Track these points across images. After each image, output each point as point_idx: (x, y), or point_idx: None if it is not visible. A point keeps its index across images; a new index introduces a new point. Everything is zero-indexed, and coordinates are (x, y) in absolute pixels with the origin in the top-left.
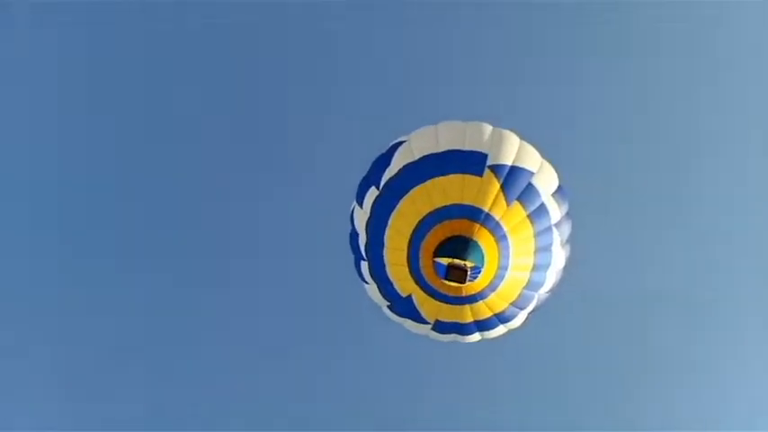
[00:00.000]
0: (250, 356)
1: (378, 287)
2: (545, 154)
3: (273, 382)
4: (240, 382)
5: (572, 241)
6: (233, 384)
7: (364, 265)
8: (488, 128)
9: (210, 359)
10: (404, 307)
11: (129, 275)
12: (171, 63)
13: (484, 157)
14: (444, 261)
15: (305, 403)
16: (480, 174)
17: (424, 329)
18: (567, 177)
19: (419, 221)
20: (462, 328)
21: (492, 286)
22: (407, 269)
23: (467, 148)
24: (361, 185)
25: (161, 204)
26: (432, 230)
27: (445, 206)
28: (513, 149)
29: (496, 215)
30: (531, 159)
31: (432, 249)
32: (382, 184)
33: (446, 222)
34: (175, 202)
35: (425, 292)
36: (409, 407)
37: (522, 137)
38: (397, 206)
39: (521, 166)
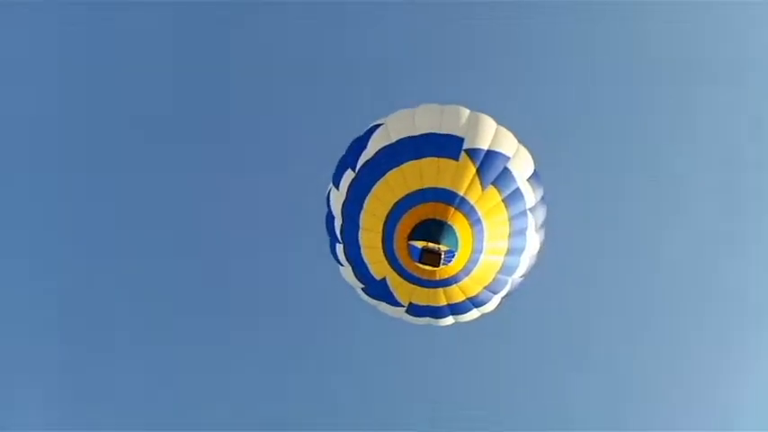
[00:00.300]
0: (231, 350)
1: (353, 269)
2: (528, 144)
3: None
4: (226, 377)
5: (546, 226)
6: (221, 381)
7: (339, 248)
8: (465, 111)
9: (200, 355)
10: (378, 290)
11: (126, 275)
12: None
13: (460, 140)
14: (419, 244)
15: (284, 398)
16: (456, 157)
17: (399, 312)
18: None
19: (394, 204)
20: (436, 312)
21: (466, 270)
22: (382, 252)
23: (443, 131)
24: (337, 167)
25: (155, 203)
26: (407, 213)
27: (421, 189)
28: (490, 133)
29: (471, 199)
30: (508, 144)
31: (406, 232)
32: (359, 166)
33: (421, 205)
34: (167, 200)
35: (400, 275)
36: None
37: (499, 121)
38: (373, 189)
39: (497, 150)
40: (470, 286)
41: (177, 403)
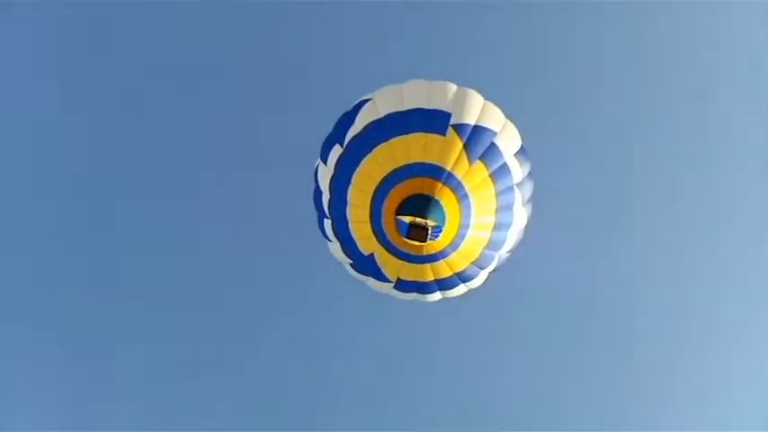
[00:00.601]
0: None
1: (341, 245)
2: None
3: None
4: (225, 375)
5: (534, 201)
6: (220, 380)
7: (327, 223)
8: (452, 87)
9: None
10: (366, 265)
11: (125, 274)
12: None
13: (447, 116)
14: (406, 219)
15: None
16: (443, 132)
17: (387, 288)
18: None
19: (382, 179)
20: (423, 287)
21: (453, 245)
22: (370, 227)
23: (431, 106)
24: (325, 143)
25: (151, 202)
26: (394, 188)
27: (408, 164)
28: (477, 109)
29: (458, 174)
30: (495, 119)
31: (394, 207)
32: (346, 141)
33: (409, 181)
34: (163, 198)
35: (387, 250)
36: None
37: (486, 96)
38: (361, 164)
39: (484, 125)
40: (457, 261)
41: (173, 402)
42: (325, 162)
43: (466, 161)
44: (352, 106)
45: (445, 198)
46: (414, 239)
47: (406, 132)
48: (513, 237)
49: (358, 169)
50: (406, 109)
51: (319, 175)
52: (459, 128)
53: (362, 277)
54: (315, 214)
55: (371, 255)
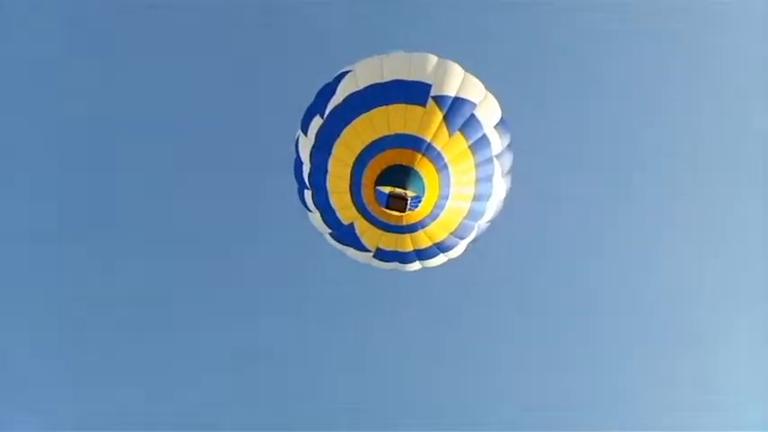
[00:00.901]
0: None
1: (321, 215)
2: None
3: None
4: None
5: (513, 173)
6: (222, 380)
7: (308, 194)
8: (433, 59)
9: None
10: (346, 234)
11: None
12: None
13: (428, 87)
14: (386, 189)
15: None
16: (424, 104)
17: (366, 257)
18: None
19: (362, 150)
20: (403, 257)
21: (432, 215)
22: (350, 197)
23: (411, 78)
24: (305, 114)
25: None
26: (374, 159)
27: (388, 135)
28: (457, 81)
29: (438, 145)
30: (475, 91)
31: (374, 178)
32: (327, 112)
33: (388, 151)
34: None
35: (367, 220)
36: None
37: (467, 68)
38: (341, 135)
39: (464, 97)
40: (437, 231)
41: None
42: (305, 133)
43: (446, 132)
44: (332, 77)
45: (425, 169)
46: (393, 209)
47: (387, 103)
48: (492, 208)
49: (338, 140)
50: (386, 80)
51: (300, 146)
52: (439, 99)
53: (342, 247)
54: (295, 194)
55: (351, 224)
